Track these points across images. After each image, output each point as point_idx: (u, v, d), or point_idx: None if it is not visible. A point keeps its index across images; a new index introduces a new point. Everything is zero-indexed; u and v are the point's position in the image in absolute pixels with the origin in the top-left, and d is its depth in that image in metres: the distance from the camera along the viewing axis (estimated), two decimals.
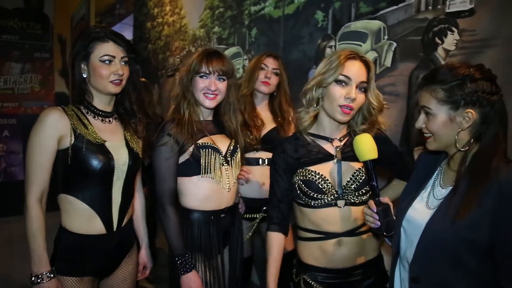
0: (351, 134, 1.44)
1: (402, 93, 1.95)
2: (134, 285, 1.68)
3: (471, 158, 1.11)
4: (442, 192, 1.17)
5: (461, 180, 1.09)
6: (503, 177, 1.02)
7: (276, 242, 1.43)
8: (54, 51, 6.18)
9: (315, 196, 1.36)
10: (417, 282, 1.14)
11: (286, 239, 1.48)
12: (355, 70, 1.32)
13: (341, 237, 1.37)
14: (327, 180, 1.37)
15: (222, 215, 1.65)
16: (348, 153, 1.39)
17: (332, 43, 2.33)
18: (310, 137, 1.44)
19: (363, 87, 1.34)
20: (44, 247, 1.36)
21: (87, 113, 1.49)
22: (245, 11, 3.03)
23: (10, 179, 5.63)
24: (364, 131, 1.39)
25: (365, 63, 1.35)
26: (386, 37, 2.04)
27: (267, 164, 2.04)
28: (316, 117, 1.42)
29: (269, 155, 1.95)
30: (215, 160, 1.59)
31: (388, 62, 2.02)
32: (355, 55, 1.33)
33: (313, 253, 1.40)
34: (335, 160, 1.40)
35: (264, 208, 2.01)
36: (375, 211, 1.21)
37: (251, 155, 2.07)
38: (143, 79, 1.98)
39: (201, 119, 1.66)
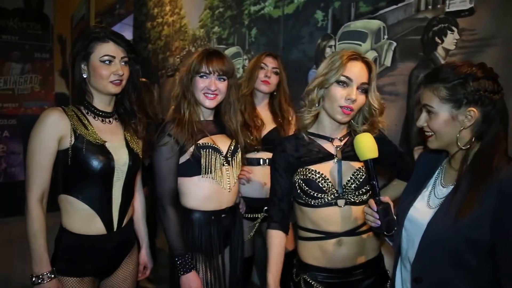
0: (352, 133, 1.44)
1: (402, 93, 1.95)
2: (135, 285, 1.68)
3: (473, 157, 1.11)
4: (443, 191, 1.17)
5: (463, 179, 1.09)
6: (504, 176, 1.02)
7: (277, 240, 1.43)
8: (54, 52, 6.19)
9: (315, 195, 1.36)
10: (419, 282, 1.14)
11: (286, 239, 1.48)
12: (356, 71, 1.32)
13: (341, 236, 1.37)
14: (327, 179, 1.37)
15: (223, 215, 1.65)
16: (349, 153, 1.39)
17: (332, 42, 2.33)
18: (311, 136, 1.44)
19: (364, 88, 1.35)
20: (44, 247, 1.36)
21: (87, 113, 1.49)
22: (245, 11, 3.03)
23: (10, 179, 5.64)
24: (364, 131, 1.39)
25: (367, 64, 1.35)
26: (386, 36, 2.04)
27: (268, 164, 2.04)
28: (316, 116, 1.43)
29: (270, 155, 1.95)
30: (215, 160, 1.59)
31: (388, 62, 2.02)
32: (357, 56, 1.33)
33: (313, 253, 1.40)
34: (335, 160, 1.40)
35: (266, 208, 2.01)
36: (376, 210, 1.21)
37: (252, 155, 2.07)
38: (143, 79, 1.98)
39: (202, 119, 1.67)
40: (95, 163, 1.41)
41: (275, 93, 2.19)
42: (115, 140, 1.51)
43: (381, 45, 2.05)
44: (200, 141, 1.58)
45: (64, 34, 6.42)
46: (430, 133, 1.17)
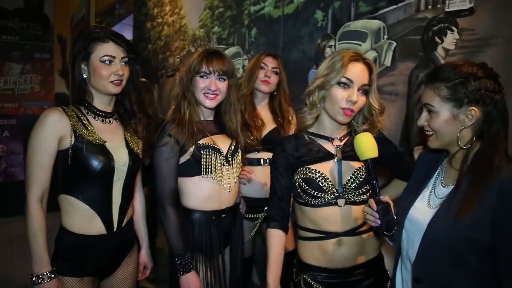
0: (352, 133, 1.44)
1: (401, 93, 1.95)
2: (135, 285, 1.68)
3: (473, 157, 1.11)
4: (443, 191, 1.17)
5: (463, 178, 1.09)
6: (505, 176, 1.02)
7: (276, 239, 1.43)
8: (54, 52, 6.19)
9: (315, 194, 1.36)
10: (420, 282, 1.14)
11: (287, 239, 1.48)
12: (357, 72, 1.32)
13: (341, 236, 1.37)
14: (328, 178, 1.37)
15: (223, 215, 1.65)
16: (348, 153, 1.39)
17: (332, 42, 2.33)
18: (311, 136, 1.44)
19: (365, 90, 1.35)
20: (44, 247, 1.36)
21: (87, 113, 1.49)
22: (245, 11, 3.03)
23: (10, 179, 5.64)
24: (364, 130, 1.39)
25: (368, 65, 1.35)
26: (385, 36, 2.04)
27: (269, 164, 2.04)
28: (317, 117, 1.43)
29: (271, 155, 1.94)
30: (215, 160, 1.59)
31: (387, 62, 2.02)
32: (358, 57, 1.33)
33: (313, 253, 1.41)
34: (335, 159, 1.40)
35: (266, 208, 2.01)
36: (376, 209, 1.21)
37: (252, 155, 2.08)
38: (143, 79, 1.98)
39: (202, 119, 1.67)
40: (95, 163, 1.41)
41: (275, 93, 2.19)
42: (115, 140, 1.51)
43: (381, 45, 2.05)
44: (200, 141, 1.58)
45: (64, 34, 6.42)
46: (431, 133, 1.17)
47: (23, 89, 5.87)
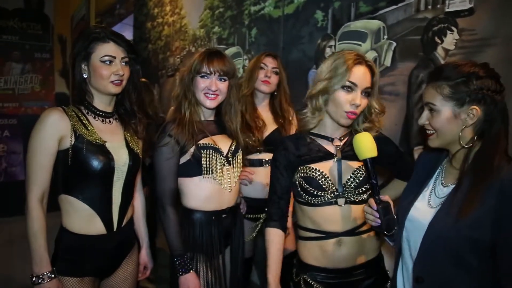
0: (352, 133, 1.44)
1: (401, 93, 1.95)
2: (135, 285, 1.68)
3: (474, 156, 1.11)
4: (444, 190, 1.17)
5: (464, 178, 1.10)
6: (505, 176, 1.03)
7: (275, 238, 1.43)
8: (55, 52, 6.20)
9: (315, 193, 1.37)
10: (421, 282, 1.14)
11: (289, 239, 1.48)
12: (361, 75, 1.32)
13: (341, 236, 1.37)
14: (328, 177, 1.37)
15: (224, 216, 1.65)
16: (348, 152, 1.39)
17: (332, 42, 2.33)
18: (311, 136, 1.44)
19: (367, 92, 1.35)
20: (45, 247, 1.36)
21: (88, 113, 1.49)
22: (245, 11, 3.03)
23: (10, 179, 5.64)
24: (365, 130, 1.39)
25: (370, 68, 1.35)
26: (385, 36, 2.04)
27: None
28: (320, 119, 1.43)
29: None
30: (216, 160, 1.59)
31: (387, 62, 2.02)
32: (361, 60, 1.33)
33: (313, 253, 1.41)
34: (335, 159, 1.40)
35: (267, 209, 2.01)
36: (375, 209, 1.22)
37: (254, 156, 2.07)
38: (143, 79, 1.98)
39: (202, 119, 1.67)
40: (95, 163, 1.42)
41: (275, 93, 2.19)
42: (115, 140, 1.51)
43: (381, 45, 2.06)
44: (201, 142, 1.58)
45: (64, 34, 6.43)
46: (432, 132, 1.17)
47: (23, 89, 5.87)
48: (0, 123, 5.66)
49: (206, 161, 1.57)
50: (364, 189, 1.38)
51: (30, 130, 1.39)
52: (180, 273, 1.53)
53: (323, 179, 1.37)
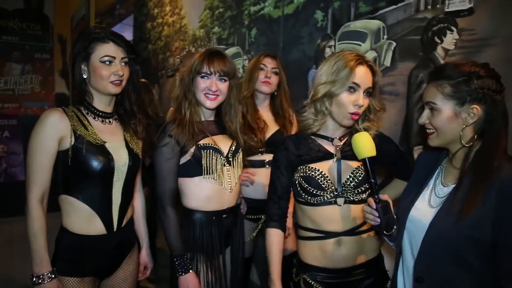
0: (352, 132, 1.44)
1: (401, 93, 1.95)
2: (135, 285, 1.68)
3: (474, 155, 1.11)
4: (444, 190, 1.17)
5: (464, 177, 1.10)
6: (505, 175, 1.03)
7: (276, 238, 1.43)
8: (54, 52, 6.20)
9: (314, 192, 1.37)
10: (421, 282, 1.14)
11: (289, 239, 1.48)
12: (363, 76, 1.32)
13: (341, 236, 1.37)
14: (327, 177, 1.37)
15: (224, 216, 1.65)
16: (348, 152, 1.39)
17: (332, 42, 2.33)
18: (312, 136, 1.44)
19: (369, 92, 1.35)
20: (45, 247, 1.37)
21: (87, 114, 1.49)
22: (245, 11, 3.03)
23: (10, 179, 5.65)
24: (364, 129, 1.39)
25: (371, 68, 1.35)
26: (385, 36, 2.04)
27: None
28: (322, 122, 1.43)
29: None
30: (216, 160, 1.59)
31: (387, 62, 2.02)
32: (362, 60, 1.33)
33: (313, 253, 1.41)
34: (334, 159, 1.40)
35: None
36: (375, 208, 1.22)
37: (256, 157, 2.07)
38: (143, 80, 1.98)
39: (203, 119, 1.67)
40: (95, 164, 1.42)
41: (275, 94, 2.19)
42: (115, 140, 1.51)
43: (381, 45, 2.06)
44: (201, 142, 1.58)
45: (64, 35, 6.43)
46: (432, 131, 1.18)
47: (23, 89, 5.87)
48: (0, 124, 5.67)
49: (206, 161, 1.57)
50: (363, 189, 1.38)
51: (30, 130, 1.40)
52: (180, 273, 1.53)
53: (322, 178, 1.37)
